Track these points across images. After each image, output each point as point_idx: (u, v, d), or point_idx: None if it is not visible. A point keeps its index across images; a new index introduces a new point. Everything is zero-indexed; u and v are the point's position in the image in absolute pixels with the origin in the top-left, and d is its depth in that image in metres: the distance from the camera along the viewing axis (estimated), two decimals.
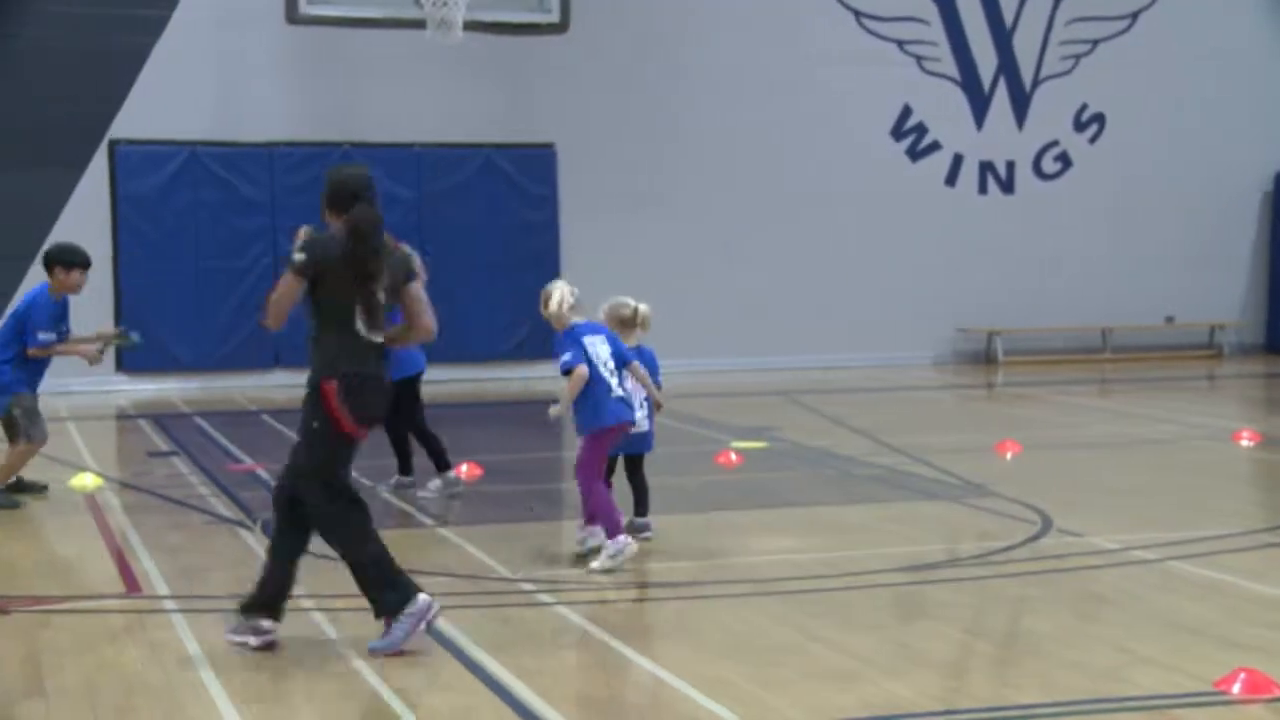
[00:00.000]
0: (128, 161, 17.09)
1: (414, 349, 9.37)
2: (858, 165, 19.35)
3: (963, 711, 5.31)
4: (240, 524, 8.83)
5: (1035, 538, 8.24)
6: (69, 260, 9.38)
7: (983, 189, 20.20)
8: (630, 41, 18.56)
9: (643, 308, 8.33)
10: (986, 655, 6.18)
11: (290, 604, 6.54)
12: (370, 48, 17.68)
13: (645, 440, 8.28)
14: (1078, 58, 20.36)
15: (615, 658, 6.06)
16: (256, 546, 8.14)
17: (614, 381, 7.63)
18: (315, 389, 6.02)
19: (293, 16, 17.53)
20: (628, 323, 8.29)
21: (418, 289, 6.18)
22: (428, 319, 6.18)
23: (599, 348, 7.65)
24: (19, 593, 7.06)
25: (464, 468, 10.42)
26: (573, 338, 7.61)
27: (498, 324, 18.10)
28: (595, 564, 7.51)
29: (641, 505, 8.34)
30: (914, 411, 15.22)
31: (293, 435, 12.49)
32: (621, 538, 7.50)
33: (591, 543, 7.73)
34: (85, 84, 16.73)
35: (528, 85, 18.24)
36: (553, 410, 7.69)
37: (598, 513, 7.66)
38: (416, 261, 6.41)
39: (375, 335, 6.04)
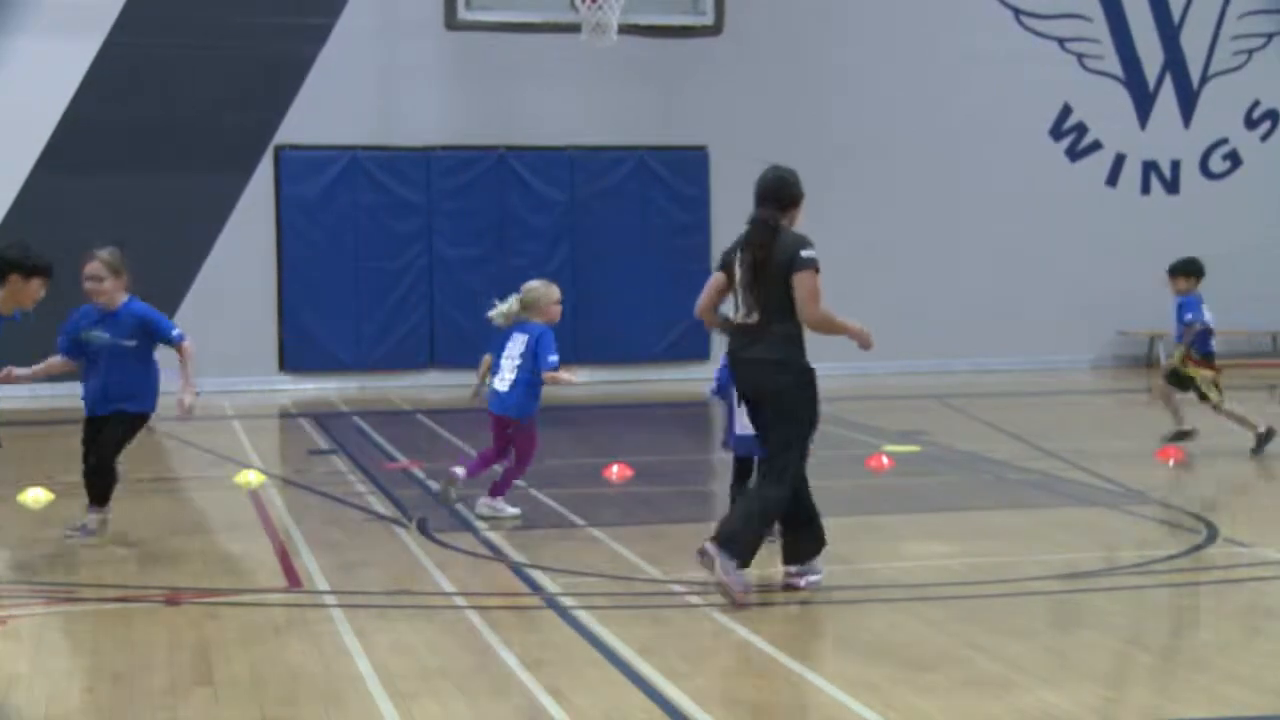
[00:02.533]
0: (292, 166, 17.55)
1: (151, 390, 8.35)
2: (1015, 166, 19.01)
3: None
4: (396, 522, 9.00)
5: (1199, 547, 8.01)
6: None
7: (1145, 189, 19.69)
8: (784, 43, 18.48)
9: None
10: (1147, 667, 6.02)
11: (447, 603, 6.66)
12: (526, 52, 17.90)
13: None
14: (1250, 52, 19.72)
15: (765, 660, 6.05)
16: (412, 544, 8.30)
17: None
18: None
19: (451, 23, 17.84)
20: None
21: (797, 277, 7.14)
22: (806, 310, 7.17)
23: None
24: (189, 585, 7.30)
25: (615, 468, 10.49)
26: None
27: (649, 325, 18.18)
28: None
29: None
30: (1071, 416, 14.88)
31: (446, 434, 12.77)
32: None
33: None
34: (253, 91, 17.26)
35: (681, 88, 18.29)
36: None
37: None
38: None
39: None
